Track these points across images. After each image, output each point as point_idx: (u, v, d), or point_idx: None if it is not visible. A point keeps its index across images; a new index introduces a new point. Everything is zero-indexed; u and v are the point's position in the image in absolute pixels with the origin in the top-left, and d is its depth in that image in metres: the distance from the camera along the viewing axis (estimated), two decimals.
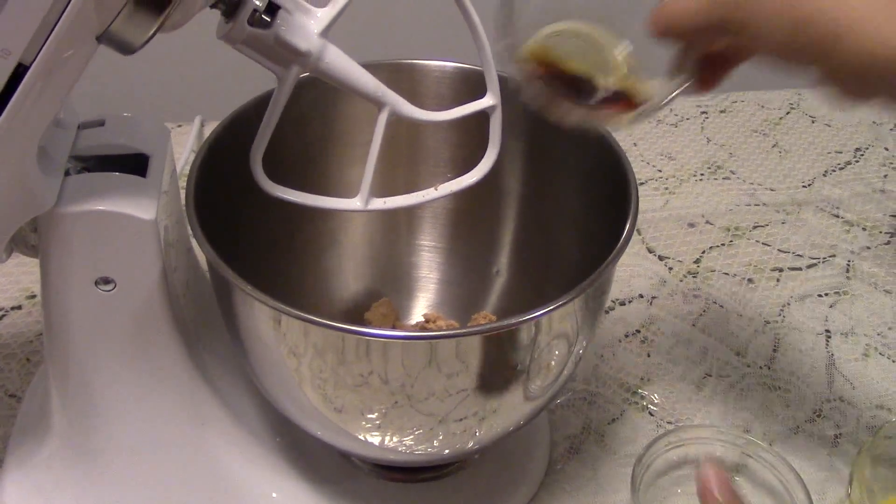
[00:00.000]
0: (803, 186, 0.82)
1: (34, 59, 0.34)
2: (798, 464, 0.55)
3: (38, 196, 0.39)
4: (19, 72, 0.34)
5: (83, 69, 0.36)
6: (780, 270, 0.72)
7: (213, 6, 0.39)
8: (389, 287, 0.60)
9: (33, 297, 0.67)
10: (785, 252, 0.74)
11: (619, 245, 0.43)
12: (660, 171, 0.83)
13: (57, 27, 0.33)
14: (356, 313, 0.59)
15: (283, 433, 0.54)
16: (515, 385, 0.44)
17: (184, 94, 1.07)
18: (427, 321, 0.59)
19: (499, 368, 0.43)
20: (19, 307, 0.66)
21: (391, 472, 0.54)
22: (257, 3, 0.39)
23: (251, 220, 0.51)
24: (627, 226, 0.44)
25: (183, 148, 0.80)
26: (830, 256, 0.74)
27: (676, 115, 0.90)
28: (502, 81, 0.45)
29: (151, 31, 0.34)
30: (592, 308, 0.45)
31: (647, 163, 0.83)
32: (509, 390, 0.44)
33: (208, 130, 0.83)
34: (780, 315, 0.68)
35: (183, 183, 0.47)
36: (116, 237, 0.42)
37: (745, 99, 0.93)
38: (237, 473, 0.52)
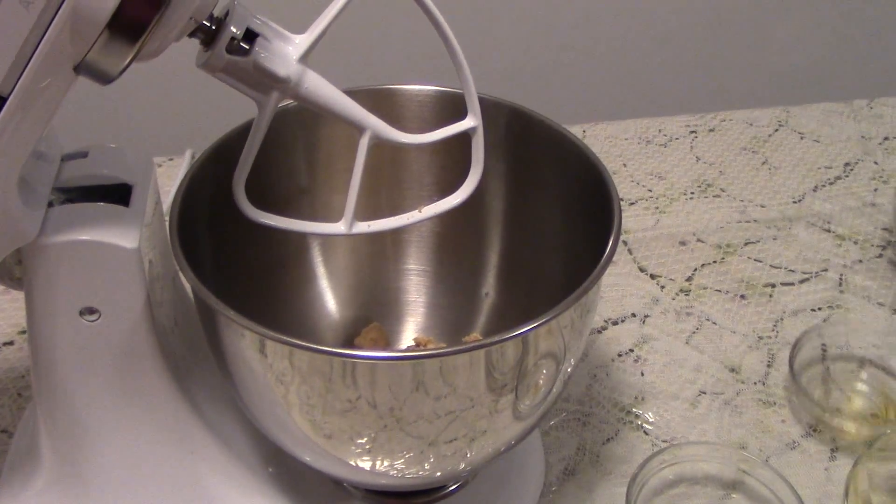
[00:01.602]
0: (794, 202, 0.82)
1: (12, 91, 0.34)
2: (794, 479, 0.54)
3: (19, 227, 0.39)
4: None
5: (62, 100, 0.36)
6: (773, 286, 0.72)
7: (191, 35, 0.39)
8: (378, 312, 0.60)
9: (24, 332, 0.67)
10: (777, 267, 0.74)
11: (603, 259, 0.43)
12: (650, 190, 0.83)
13: (33, 58, 0.33)
14: (346, 339, 0.59)
15: (274, 462, 0.54)
16: (504, 405, 0.44)
17: (175, 128, 1.07)
18: (417, 345, 0.59)
19: (486, 388, 0.43)
20: (11, 343, 0.66)
21: (384, 497, 0.54)
22: (235, 30, 0.40)
23: (237, 249, 0.51)
24: (611, 240, 0.44)
25: (174, 181, 0.80)
26: (823, 271, 0.74)
27: (665, 134, 0.90)
28: (482, 102, 0.45)
29: (127, 60, 0.34)
30: (578, 326, 0.45)
31: (637, 183, 0.84)
32: (498, 410, 0.44)
33: None
34: (773, 330, 0.68)
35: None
36: (100, 267, 0.42)
37: (734, 118, 0.94)
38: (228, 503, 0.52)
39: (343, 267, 0.59)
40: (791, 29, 1.14)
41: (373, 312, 0.60)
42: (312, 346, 0.40)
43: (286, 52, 0.41)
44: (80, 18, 0.33)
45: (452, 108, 0.50)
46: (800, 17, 1.15)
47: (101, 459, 0.48)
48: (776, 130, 0.92)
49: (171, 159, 0.85)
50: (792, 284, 0.73)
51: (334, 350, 0.40)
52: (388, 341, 0.59)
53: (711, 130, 0.92)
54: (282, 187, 0.53)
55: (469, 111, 0.46)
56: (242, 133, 0.49)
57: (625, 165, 0.86)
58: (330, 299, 0.59)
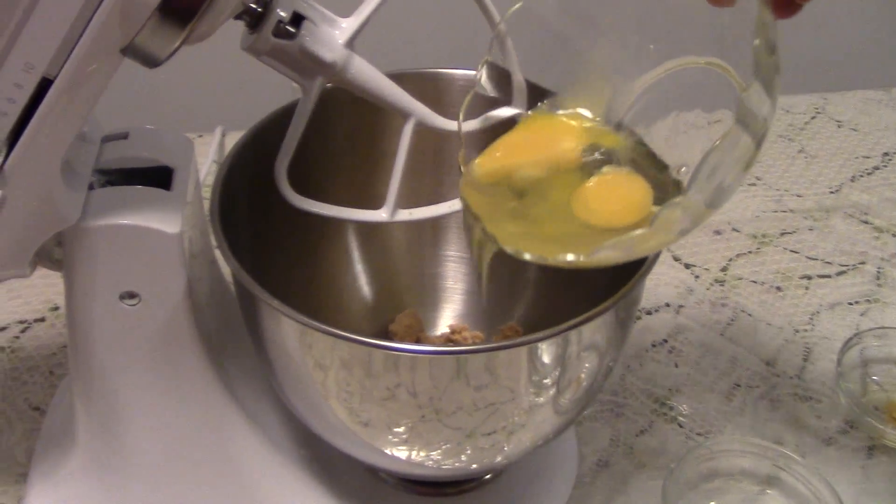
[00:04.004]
0: (831, 192, 0.80)
1: (58, 73, 0.33)
2: (830, 476, 0.54)
3: (62, 210, 0.39)
4: (44, 86, 0.34)
5: (108, 82, 0.35)
6: (809, 278, 0.71)
7: (237, 17, 0.38)
8: (414, 298, 0.59)
9: (56, 308, 0.67)
10: (814, 259, 0.73)
11: (650, 256, 0.43)
12: None
13: (81, 40, 0.33)
14: (381, 324, 0.58)
15: (307, 445, 0.53)
16: (545, 399, 0.44)
17: (204, 105, 1.07)
18: (452, 332, 0.58)
19: (528, 381, 0.42)
20: (42, 319, 0.66)
21: (417, 485, 0.54)
22: (282, 14, 0.39)
23: (275, 231, 0.51)
24: None
25: (204, 158, 0.80)
26: (860, 263, 0.73)
27: None
28: (529, 88, 0.44)
29: (177, 44, 0.34)
30: (623, 319, 0.44)
31: None
32: (538, 404, 0.44)
33: (229, 140, 0.84)
34: (809, 323, 0.67)
35: (204, 193, 0.46)
36: (141, 251, 0.41)
37: None
38: (261, 487, 0.51)
39: (380, 252, 0.59)
40: (829, 13, 1.11)
41: (408, 298, 0.59)
42: (354, 336, 0.39)
43: (332, 36, 0.40)
44: (129, 1, 0.32)
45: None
46: (837, 2, 1.13)
47: (136, 441, 0.48)
48: (813, 118, 0.90)
49: (200, 136, 0.85)
50: (829, 277, 0.71)
51: (377, 342, 0.39)
52: (422, 328, 0.59)
53: None
54: (322, 172, 0.52)
55: (515, 97, 0.45)
56: (282, 115, 0.49)
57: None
58: (365, 284, 0.59)
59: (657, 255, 0.43)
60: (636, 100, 0.43)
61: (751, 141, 0.35)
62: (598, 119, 0.45)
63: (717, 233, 0.75)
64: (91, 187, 0.42)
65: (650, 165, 0.43)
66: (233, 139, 0.83)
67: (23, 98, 0.33)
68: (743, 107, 0.37)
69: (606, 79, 0.44)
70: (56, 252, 0.43)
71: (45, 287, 0.68)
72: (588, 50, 0.44)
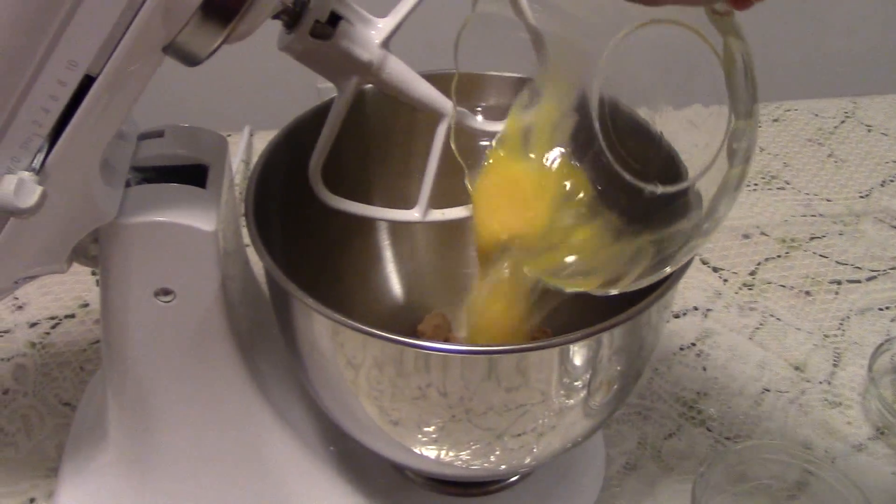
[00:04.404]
0: (860, 197, 0.80)
1: (101, 71, 0.34)
2: (861, 482, 0.53)
3: (101, 207, 0.39)
4: (86, 84, 0.34)
5: (148, 80, 0.36)
6: (839, 283, 0.71)
7: (275, 17, 0.39)
8: (443, 298, 0.59)
9: (86, 305, 0.67)
10: (843, 264, 0.72)
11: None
12: None
13: (124, 38, 0.33)
14: (409, 324, 0.59)
15: (335, 442, 0.54)
16: (575, 401, 0.44)
17: (232, 104, 1.07)
18: None
19: (559, 383, 0.42)
20: (73, 316, 0.67)
21: (443, 485, 0.54)
22: (319, 14, 0.39)
23: (306, 230, 0.51)
24: None
25: (234, 157, 0.80)
26: (891, 269, 0.72)
27: None
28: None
29: (218, 43, 0.34)
30: (656, 322, 0.44)
31: None
32: (569, 406, 0.44)
33: (257, 140, 0.84)
34: (839, 329, 0.67)
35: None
36: (177, 248, 0.41)
37: (798, 108, 0.91)
38: (289, 482, 0.52)
39: (411, 252, 0.59)
40: (858, 17, 1.11)
41: (438, 298, 0.59)
42: (386, 335, 0.39)
43: (369, 36, 0.41)
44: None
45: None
46: (867, 3, 1.12)
47: (167, 436, 0.49)
48: (842, 122, 0.90)
49: (228, 135, 0.85)
50: (858, 282, 0.71)
51: (409, 340, 0.39)
52: (451, 329, 0.59)
53: (775, 121, 0.90)
54: (355, 172, 0.52)
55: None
56: (315, 115, 0.49)
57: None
58: (395, 284, 0.59)
59: (689, 260, 0.43)
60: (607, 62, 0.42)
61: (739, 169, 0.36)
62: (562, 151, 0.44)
63: (746, 237, 0.75)
64: (127, 184, 0.42)
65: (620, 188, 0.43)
66: (260, 139, 0.84)
67: (65, 95, 0.34)
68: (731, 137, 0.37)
69: (580, 52, 0.43)
70: (92, 248, 0.44)
71: (75, 284, 0.69)
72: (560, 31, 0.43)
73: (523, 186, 0.44)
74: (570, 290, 0.42)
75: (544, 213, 0.44)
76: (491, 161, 0.45)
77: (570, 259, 0.43)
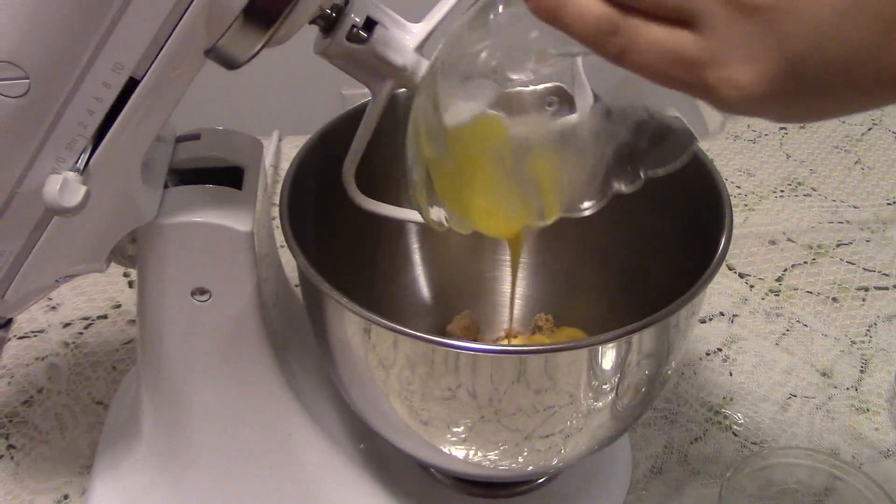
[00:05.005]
0: (888, 204, 0.80)
1: (145, 74, 0.35)
2: (889, 488, 0.53)
3: (141, 207, 0.40)
4: (130, 86, 0.35)
5: (190, 83, 0.37)
6: (866, 290, 0.70)
7: (311, 22, 0.39)
8: (472, 300, 0.60)
9: (119, 306, 0.68)
10: (870, 271, 0.72)
11: (716, 258, 0.43)
12: (738, 187, 0.81)
13: (168, 42, 0.34)
14: (437, 325, 0.59)
15: (365, 440, 0.54)
16: (604, 403, 0.44)
17: (258, 109, 1.08)
18: (508, 336, 0.59)
19: (588, 385, 0.42)
20: (105, 316, 0.68)
21: (471, 486, 0.54)
22: (355, 19, 0.40)
23: (338, 231, 0.52)
24: (723, 238, 0.44)
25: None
26: None
27: (754, 130, 0.89)
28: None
29: (258, 46, 0.35)
30: (684, 327, 0.44)
31: (726, 179, 0.81)
32: (597, 408, 0.44)
33: (285, 144, 0.85)
34: (866, 335, 0.67)
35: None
36: (214, 249, 0.42)
37: None
38: (319, 480, 0.52)
39: (440, 253, 0.59)
40: None
41: (466, 300, 0.60)
42: (418, 334, 0.40)
43: (404, 41, 0.41)
44: (216, 4, 0.33)
45: (563, 102, 0.49)
46: None
47: (199, 434, 0.49)
48: (869, 129, 0.90)
49: None
50: (886, 289, 0.71)
51: (441, 339, 0.40)
52: (479, 330, 0.59)
53: (802, 127, 0.89)
54: (387, 174, 0.53)
55: (577, 107, 0.45)
56: (349, 118, 0.50)
57: (713, 161, 0.84)
58: (424, 285, 0.59)
59: (720, 262, 0.43)
60: None
61: None
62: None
63: (772, 242, 0.75)
64: (166, 186, 0.43)
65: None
66: (286, 144, 0.85)
67: (110, 97, 0.35)
68: None
69: None
70: (129, 248, 0.45)
71: (108, 285, 0.70)
72: None
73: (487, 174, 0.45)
74: None
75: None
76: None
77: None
